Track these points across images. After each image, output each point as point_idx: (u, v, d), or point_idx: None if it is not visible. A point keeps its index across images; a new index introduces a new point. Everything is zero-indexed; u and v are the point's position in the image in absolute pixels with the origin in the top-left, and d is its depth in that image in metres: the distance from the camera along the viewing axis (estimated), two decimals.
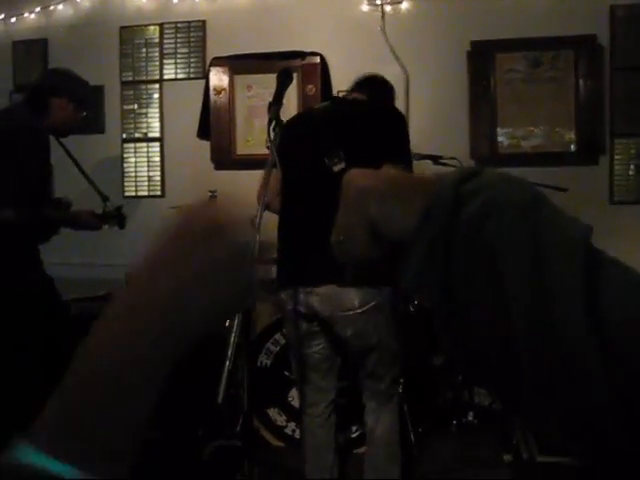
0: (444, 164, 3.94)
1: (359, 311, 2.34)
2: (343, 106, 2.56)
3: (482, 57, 4.52)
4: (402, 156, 2.40)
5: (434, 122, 4.55)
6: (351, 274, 2.23)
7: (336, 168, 2.32)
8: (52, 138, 3.23)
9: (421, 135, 4.58)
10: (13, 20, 5.14)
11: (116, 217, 3.38)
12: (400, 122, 2.50)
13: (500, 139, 4.53)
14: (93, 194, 3.42)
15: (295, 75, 4.57)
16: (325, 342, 2.53)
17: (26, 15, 5.12)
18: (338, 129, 2.42)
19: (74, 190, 3.46)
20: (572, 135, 4.44)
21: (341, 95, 2.65)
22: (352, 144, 2.36)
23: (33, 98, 3.22)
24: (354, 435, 3.23)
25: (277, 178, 2.49)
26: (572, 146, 4.44)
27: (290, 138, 2.53)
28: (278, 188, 2.52)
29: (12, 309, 3.06)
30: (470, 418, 3.58)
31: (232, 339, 1.59)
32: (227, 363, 1.53)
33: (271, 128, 2.03)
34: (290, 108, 4.73)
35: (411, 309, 3.40)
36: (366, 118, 2.45)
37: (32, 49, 5.11)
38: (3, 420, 3.05)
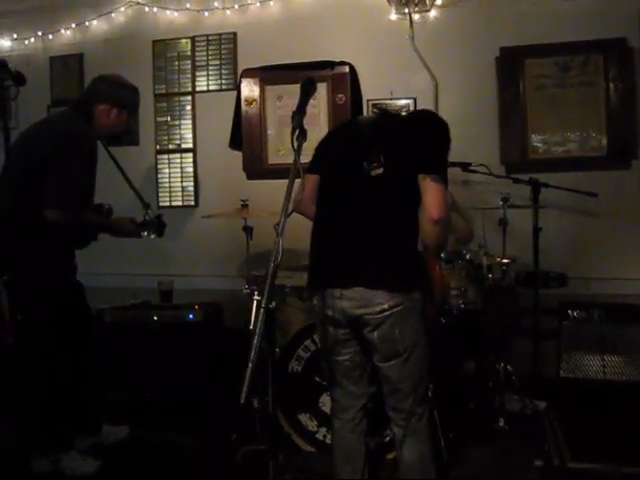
0: (473, 171, 3.95)
1: (387, 313, 2.34)
2: (388, 117, 2.58)
3: (511, 63, 4.51)
4: (437, 166, 2.39)
5: (464, 129, 4.50)
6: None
7: (374, 173, 2.36)
8: (100, 145, 3.30)
9: (451, 142, 4.60)
10: (50, 37, 5.30)
11: (156, 225, 3.42)
12: (440, 132, 2.48)
13: (530, 145, 4.52)
14: (132, 202, 3.50)
15: (325, 85, 4.69)
16: (356, 349, 2.53)
17: (62, 31, 5.27)
18: (379, 136, 2.45)
19: (114, 197, 3.54)
20: (603, 140, 4.40)
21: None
22: (391, 151, 2.40)
23: (79, 104, 3.30)
24: (385, 440, 3.24)
25: (312, 183, 2.55)
26: (603, 151, 4.41)
27: (331, 142, 2.62)
28: (312, 195, 2.56)
29: (49, 308, 3.14)
30: (501, 424, 3.56)
31: (255, 340, 1.63)
32: (250, 365, 1.57)
33: (295, 137, 2.07)
34: (321, 117, 4.81)
35: (442, 319, 3.40)
36: (408, 127, 2.49)
37: (69, 64, 5.26)
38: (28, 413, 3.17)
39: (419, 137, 2.43)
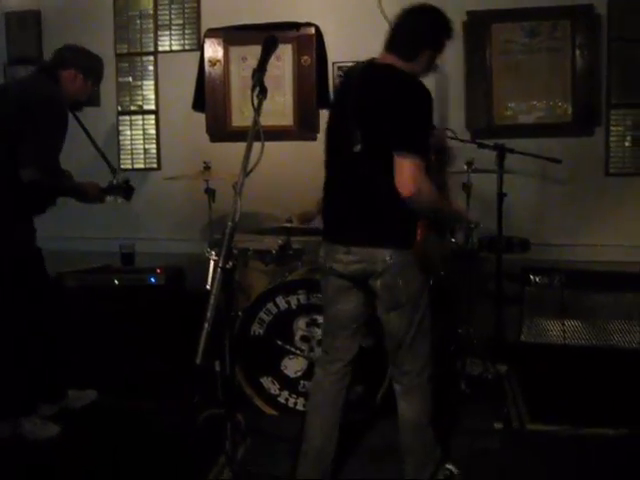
0: None
1: (389, 262, 2.40)
2: (373, 75, 2.44)
3: (478, 28, 4.48)
4: (405, 142, 2.31)
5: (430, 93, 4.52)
6: None
7: (355, 149, 2.37)
8: None
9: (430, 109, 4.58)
10: None
11: (123, 189, 3.43)
12: (415, 97, 2.35)
13: (496, 110, 4.51)
14: (94, 166, 3.45)
15: (290, 46, 4.61)
16: (357, 300, 2.58)
17: None
18: (358, 106, 2.40)
19: (77, 161, 3.51)
20: (569, 106, 4.41)
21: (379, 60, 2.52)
22: (367, 127, 2.37)
23: (45, 69, 3.33)
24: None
25: None
26: (568, 117, 4.42)
27: (332, 105, 2.65)
28: None
29: (11, 275, 3.14)
30: (462, 387, 3.61)
31: (212, 301, 1.60)
32: (205, 325, 1.54)
33: (255, 95, 2.03)
34: (285, 79, 4.74)
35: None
36: (386, 97, 2.36)
37: (25, 21, 5.09)
38: None
39: (394, 109, 2.33)
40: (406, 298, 2.48)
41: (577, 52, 4.38)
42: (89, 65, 3.39)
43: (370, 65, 2.49)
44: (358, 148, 2.36)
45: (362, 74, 2.47)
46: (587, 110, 4.40)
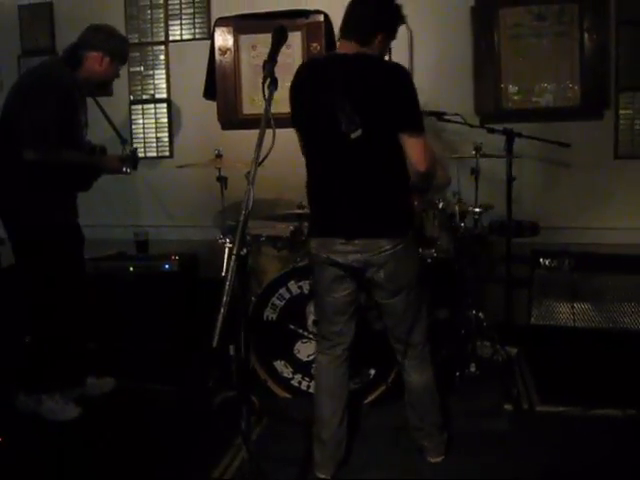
0: (448, 120, 3.96)
1: (390, 252, 2.49)
2: (344, 66, 2.49)
3: (486, 12, 4.49)
4: (414, 121, 2.46)
5: (438, 79, 4.55)
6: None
7: (354, 135, 2.38)
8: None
9: (425, 92, 4.53)
10: None
11: (131, 159, 3.51)
12: (408, 80, 2.49)
13: (504, 95, 4.52)
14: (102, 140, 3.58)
15: (299, 34, 4.63)
16: (352, 287, 2.65)
17: None
18: (350, 92, 2.41)
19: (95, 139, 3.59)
20: (577, 90, 4.42)
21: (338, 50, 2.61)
22: (366, 111, 2.40)
23: (70, 53, 3.36)
24: (360, 384, 3.32)
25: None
26: (577, 101, 4.43)
27: (301, 95, 2.59)
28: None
29: (39, 247, 3.24)
30: (472, 369, 3.65)
31: (227, 286, 1.66)
32: (222, 310, 1.60)
33: (265, 86, 2.07)
34: (295, 66, 4.73)
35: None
36: (378, 82, 2.45)
37: (37, 13, 5.14)
38: None
39: (393, 94, 2.43)
40: (407, 282, 2.61)
41: (585, 35, 4.38)
42: (115, 46, 3.40)
43: (350, 56, 2.52)
44: (358, 133, 2.38)
45: (345, 64, 2.49)
46: (596, 93, 4.40)
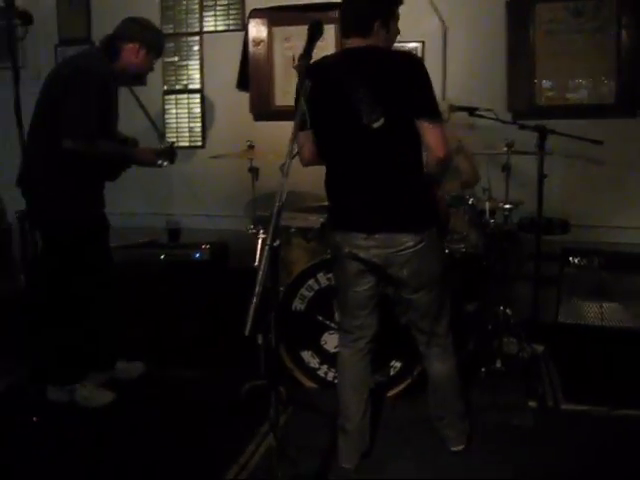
0: (480, 116, 3.94)
1: (412, 249, 2.50)
2: (359, 57, 2.52)
3: (522, 7, 4.47)
4: (432, 108, 2.48)
5: (472, 74, 4.54)
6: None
7: (376, 125, 2.40)
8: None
9: (458, 87, 4.59)
10: None
11: (169, 153, 3.53)
12: (423, 68, 2.51)
13: (538, 91, 4.50)
14: (141, 135, 3.61)
15: (333, 26, 4.64)
16: (373, 281, 2.67)
17: None
18: (368, 83, 2.42)
19: (125, 131, 3.62)
20: (612, 88, 4.38)
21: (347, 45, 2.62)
22: (387, 100, 2.42)
23: (107, 44, 3.38)
24: (384, 378, 3.35)
25: (311, 139, 2.63)
26: (611, 99, 4.39)
27: (315, 94, 2.56)
28: (315, 150, 2.65)
29: (66, 239, 3.27)
30: (498, 365, 3.65)
31: (260, 276, 1.69)
32: (254, 299, 1.63)
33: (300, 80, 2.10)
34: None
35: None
36: (396, 72, 2.47)
37: (75, 3, 5.22)
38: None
39: (410, 82, 2.46)
40: (431, 278, 2.63)
41: (623, 32, 4.34)
42: (152, 39, 3.43)
43: (361, 49, 2.53)
44: (380, 122, 2.39)
45: (357, 58, 2.51)
46: (631, 92, 4.36)
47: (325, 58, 2.58)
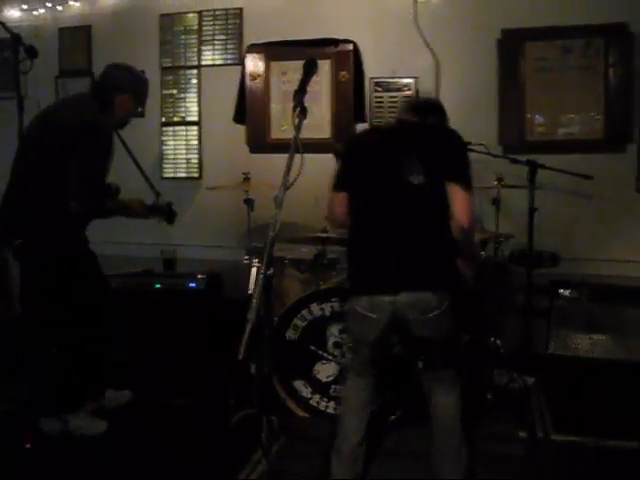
0: (472, 150, 4.00)
1: (436, 312, 2.54)
2: (411, 127, 2.72)
3: (512, 45, 4.58)
4: (467, 176, 2.59)
5: (463, 109, 4.59)
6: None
7: (416, 181, 2.51)
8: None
9: (450, 121, 4.65)
10: (60, 8, 5.37)
11: (166, 212, 3.55)
12: (463, 144, 2.71)
13: (528, 127, 4.59)
14: (139, 184, 3.62)
15: (328, 62, 4.76)
16: (389, 332, 2.71)
17: (71, 3, 5.34)
18: (411, 147, 2.59)
19: (122, 178, 3.56)
20: (600, 123, 4.48)
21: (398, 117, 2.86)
22: (427, 161, 2.55)
23: (98, 93, 3.36)
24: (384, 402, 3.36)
25: (343, 199, 2.71)
26: (601, 134, 4.48)
27: (359, 156, 2.73)
28: (345, 210, 2.72)
29: (56, 275, 3.23)
30: (488, 396, 3.68)
31: (254, 303, 1.74)
32: (247, 325, 1.68)
33: (295, 114, 2.17)
34: (323, 94, 4.89)
35: None
36: (437, 139, 2.65)
37: (77, 36, 5.33)
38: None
39: (449, 149, 2.62)
40: (449, 330, 2.67)
41: (610, 70, 4.45)
42: (141, 89, 3.47)
43: (414, 123, 2.74)
44: (421, 179, 2.50)
45: (409, 129, 2.72)
46: (620, 127, 4.46)
47: (377, 127, 2.82)
